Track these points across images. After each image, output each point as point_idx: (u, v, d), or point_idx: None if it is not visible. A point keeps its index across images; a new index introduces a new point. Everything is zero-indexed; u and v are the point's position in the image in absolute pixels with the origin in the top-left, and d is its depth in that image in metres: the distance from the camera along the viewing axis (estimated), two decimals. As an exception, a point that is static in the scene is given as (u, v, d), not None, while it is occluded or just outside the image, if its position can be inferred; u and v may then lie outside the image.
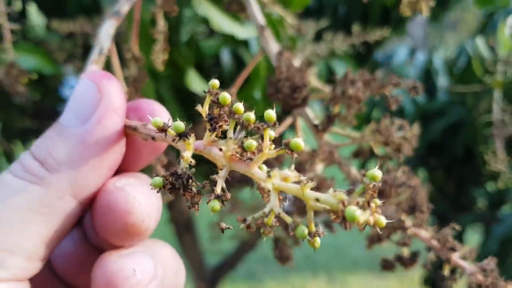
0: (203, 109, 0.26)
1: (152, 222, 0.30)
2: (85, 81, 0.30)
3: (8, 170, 0.29)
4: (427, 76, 1.47)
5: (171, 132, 0.26)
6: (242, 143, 0.25)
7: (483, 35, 1.39)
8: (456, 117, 1.27)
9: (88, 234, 0.35)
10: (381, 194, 0.42)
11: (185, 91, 0.87)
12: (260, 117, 0.25)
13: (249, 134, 0.26)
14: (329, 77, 1.29)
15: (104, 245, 0.34)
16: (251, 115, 0.25)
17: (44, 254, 0.28)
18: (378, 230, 0.22)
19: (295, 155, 0.24)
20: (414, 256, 0.42)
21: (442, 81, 1.44)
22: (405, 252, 0.42)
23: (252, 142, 0.24)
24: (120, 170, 0.32)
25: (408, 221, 0.41)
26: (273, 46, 0.52)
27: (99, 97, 0.30)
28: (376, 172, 0.22)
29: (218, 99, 0.25)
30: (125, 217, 0.29)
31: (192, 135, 0.26)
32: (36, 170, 0.28)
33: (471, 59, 1.16)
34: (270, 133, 0.25)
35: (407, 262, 0.42)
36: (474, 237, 1.56)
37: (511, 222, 1.19)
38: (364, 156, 0.50)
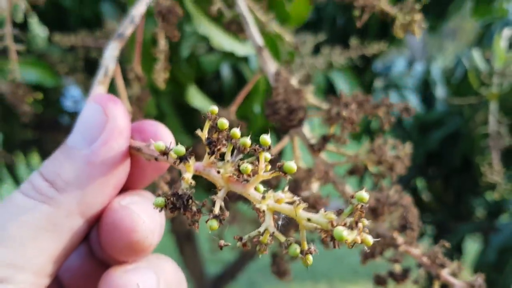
0: (203, 133, 0.28)
1: (155, 239, 0.32)
2: (92, 104, 0.32)
3: (19, 190, 0.30)
4: (426, 86, 1.49)
5: (172, 155, 0.27)
6: (239, 166, 0.26)
7: (480, 46, 1.41)
8: (453, 127, 1.29)
9: (94, 249, 0.37)
10: (375, 212, 0.44)
11: (186, 105, 0.89)
12: (259, 131, 0.26)
13: (248, 155, 0.28)
14: (328, 88, 1.31)
15: (110, 260, 0.35)
16: (247, 140, 0.26)
17: (52, 270, 0.29)
18: (366, 248, 0.24)
19: (289, 177, 0.26)
20: (405, 272, 0.43)
21: (440, 91, 1.46)
22: (397, 268, 0.44)
23: (247, 166, 0.26)
24: (125, 188, 0.33)
25: (400, 239, 0.43)
26: (271, 66, 0.54)
27: (105, 120, 0.31)
28: (363, 194, 0.23)
29: (216, 124, 0.27)
30: (129, 235, 0.30)
31: (192, 157, 0.28)
32: (45, 190, 0.29)
33: (467, 71, 1.17)
34: (266, 155, 0.26)
35: (399, 278, 0.43)
36: (473, 246, 1.56)
37: (509, 232, 1.20)
38: (359, 173, 0.51)
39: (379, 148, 0.49)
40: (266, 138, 0.26)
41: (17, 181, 1.70)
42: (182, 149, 0.27)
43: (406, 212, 0.42)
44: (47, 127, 1.62)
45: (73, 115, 1.66)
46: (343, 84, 1.25)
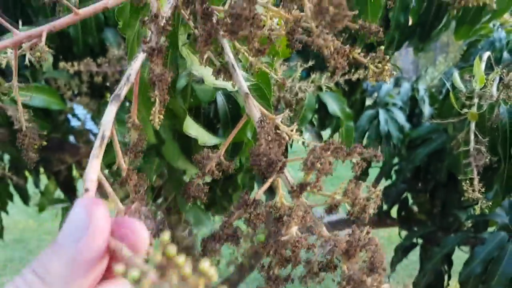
0: (156, 257, 0.32)
1: None
2: (78, 207, 0.37)
3: (13, 284, 0.35)
4: (413, 103, 1.54)
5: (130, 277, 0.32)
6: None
7: (467, 63, 1.46)
8: (440, 144, 1.34)
9: None
10: (347, 253, 0.49)
11: (183, 133, 0.94)
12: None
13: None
14: (319, 107, 1.36)
15: None
16: (188, 272, 0.30)
17: None
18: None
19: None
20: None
21: (427, 108, 1.51)
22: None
23: None
24: (104, 276, 0.39)
25: (368, 280, 0.48)
26: (256, 113, 0.59)
27: (89, 222, 0.36)
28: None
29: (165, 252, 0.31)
30: None
31: (149, 277, 0.31)
32: (36, 286, 0.34)
33: (449, 91, 1.22)
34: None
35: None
36: (466, 256, 1.61)
37: (494, 243, 1.25)
38: (335, 211, 0.57)
39: (352, 192, 0.54)
40: (207, 268, 0.28)
41: (24, 199, 1.77)
42: (137, 274, 0.31)
43: (373, 255, 0.47)
44: (53, 148, 1.68)
45: (78, 135, 1.73)
46: (333, 104, 1.30)
